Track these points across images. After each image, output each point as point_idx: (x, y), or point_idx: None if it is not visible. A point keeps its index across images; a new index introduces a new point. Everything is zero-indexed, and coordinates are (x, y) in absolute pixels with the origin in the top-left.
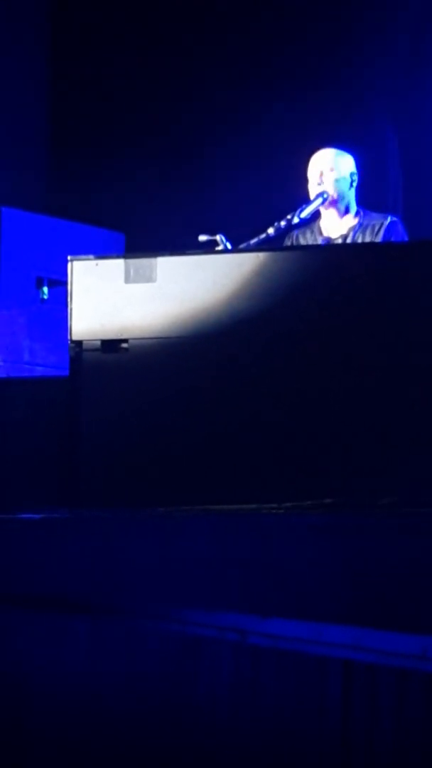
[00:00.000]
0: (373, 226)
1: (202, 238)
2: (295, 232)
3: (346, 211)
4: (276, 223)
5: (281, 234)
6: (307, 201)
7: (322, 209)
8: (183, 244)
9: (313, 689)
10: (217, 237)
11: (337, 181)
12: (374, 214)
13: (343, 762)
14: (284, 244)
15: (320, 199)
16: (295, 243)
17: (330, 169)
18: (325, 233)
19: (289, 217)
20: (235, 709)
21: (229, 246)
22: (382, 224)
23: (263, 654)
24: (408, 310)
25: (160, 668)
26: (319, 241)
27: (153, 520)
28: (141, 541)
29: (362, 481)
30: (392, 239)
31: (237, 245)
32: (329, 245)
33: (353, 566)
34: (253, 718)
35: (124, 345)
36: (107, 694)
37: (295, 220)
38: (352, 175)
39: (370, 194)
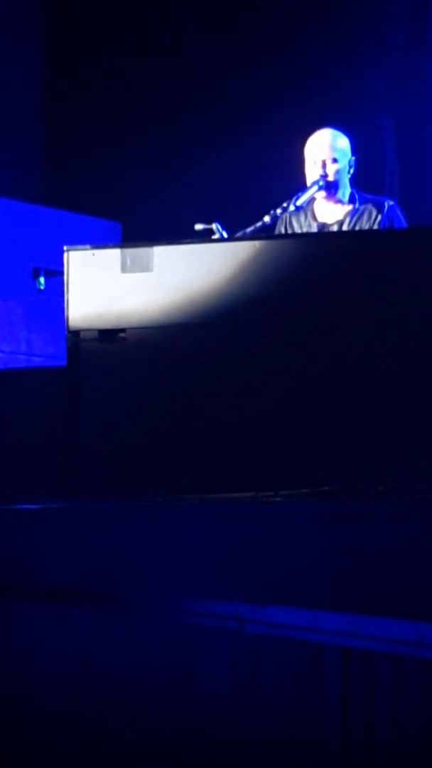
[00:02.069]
0: (370, 211)
1: (198, 227)
2: (287, 215)
3: (343, 196)
4: (272, 211)
5: (277, 222)
6: (302, 189)
7: (317, 195)
8: (179, 233)
9: (311, 677)
10: (213, 226)
11: (338, 171)
12: (369, 197)
13: (343, 749)
14: (277, 228)
15: (316, 186)
16: (287, 227)
17: (332, 160)
18: (320, 218)
19: (285, 204)
20: (234, 697)
21: (225, 234)
22: (380, 209)
23: (262, 642)
24: (404, 297)
25: (159, 657)
26: (314, 226)
27: (152, 510)
28: (140, 531)
29: (359, 468)
30: (393, 224)
31: (233, 234)
32: (325, 233)
33: (350, 553)
34: (252, 706)
35: (122, 334)
36: (108, 683)
37: (291, 208)
38: (350, 161)
39: (367, 180)
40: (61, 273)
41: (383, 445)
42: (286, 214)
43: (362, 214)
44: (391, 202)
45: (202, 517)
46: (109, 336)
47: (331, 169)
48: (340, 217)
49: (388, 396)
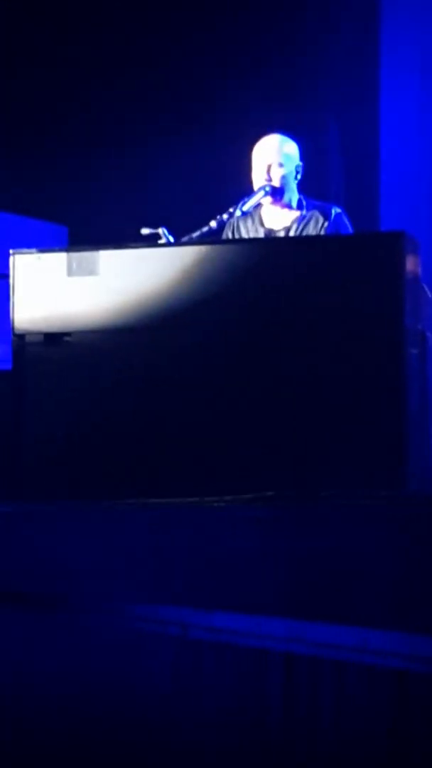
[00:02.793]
0: (317, 218)
1: (145, 231)
2: (235, 220)
3: (288, 202)
4: (218, 216)
5: (223, 227)
6: (249, 193)
7: (264, 201)
8: (126, 238)
9: (253, 682)
10: (160, 230)
11: (284, 176)
12: (317, 203)
13: (286, 755)
14: (224, 233)
15: (262, 192)
16: (235, 232)
17: (278, 165)
18: (267, 224)
19: (231, 210)
20: (177, 703)
21: (171, 239)
22: (326, 216)
23: (205, 647)
24: (348, 304)
25: (101, 662)
26: (260, 231)
27: (96, 514)
28: (83, 535)
29: (303, 473)
30: (339, 231)
31: (179, 238)
32: (270, 238)
33: (294, 559)
34: (195, 712)
35: (67, 338)
36: (47, 688)
37: (237, 213)
38: (297, 167)
39: (312, 184)
40: (7, 276)
41: (327, 450)
42: (234, 220)
43: (309, 220)
44: (338, 210)
45: (145, 521)
46: (54, 339)
47: (277, 174)
48: (287, 223)
49: (332, 401)
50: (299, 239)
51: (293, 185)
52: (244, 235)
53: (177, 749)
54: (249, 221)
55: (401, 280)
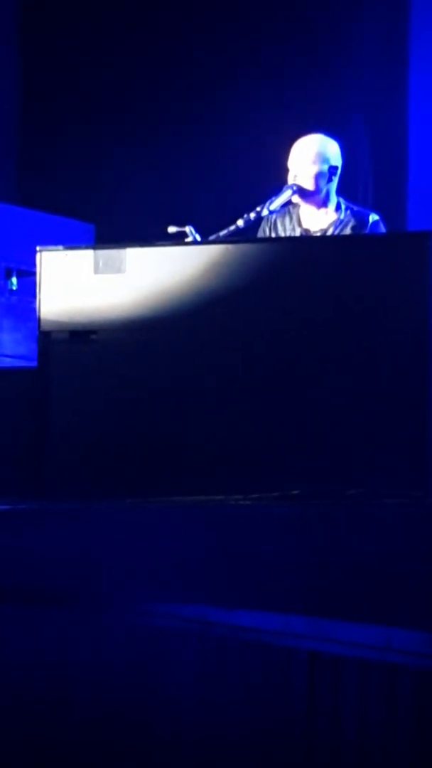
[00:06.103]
0: (355, 225)
1: (172, 229)
2: (273, 217)
3: (325, 203)
4: (245, 215)
5: (250, 226)
6: (276, 192)
7: (299, 201)
8: (152, 236)
9: (278, 680)
10: (187, 228)
11: (315, 177)
12: (356, 209)
13: (308, 751)
14: (261, 228)
15: (289, 191)
16: (272, 229)
17: (310, 164)
18: (305, 225)
19: (258, 209)
20: (201, 700)
21: (198, 237)
22: (364, 224)
23: (228, 645)
24: (375, 303)
25: (126, 660)
26: (297, 231)
27: (120, 512)
28: (108, 533)
29: (329, 472)
30: None
31: (206, 237)
32: (295, 237)
33: (319, 558)
34: (219, 709)
35: (93, 336)
36: (75, 684)
37: (265, 212)
38: (332, 168)
39: (340, 184)
40: (34, 273)
41: (351, 449)
42: (271, 216)
43: (346, 225)
44: (376, 217)
45: (171, 519)
46: (80, 337)
47: (308, 173)
48: (324, 225)
49: (357, 400)
50: (325, 239)
51: (328, 187)
52: (281, 233)
53: (201, 745)
54: (287, 219)
55: (428, 281)
